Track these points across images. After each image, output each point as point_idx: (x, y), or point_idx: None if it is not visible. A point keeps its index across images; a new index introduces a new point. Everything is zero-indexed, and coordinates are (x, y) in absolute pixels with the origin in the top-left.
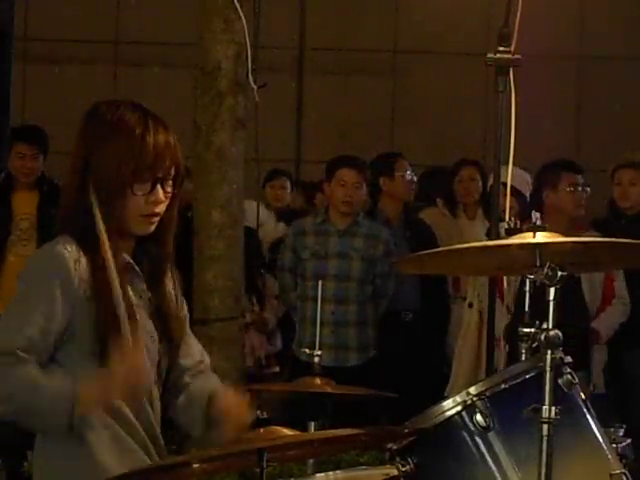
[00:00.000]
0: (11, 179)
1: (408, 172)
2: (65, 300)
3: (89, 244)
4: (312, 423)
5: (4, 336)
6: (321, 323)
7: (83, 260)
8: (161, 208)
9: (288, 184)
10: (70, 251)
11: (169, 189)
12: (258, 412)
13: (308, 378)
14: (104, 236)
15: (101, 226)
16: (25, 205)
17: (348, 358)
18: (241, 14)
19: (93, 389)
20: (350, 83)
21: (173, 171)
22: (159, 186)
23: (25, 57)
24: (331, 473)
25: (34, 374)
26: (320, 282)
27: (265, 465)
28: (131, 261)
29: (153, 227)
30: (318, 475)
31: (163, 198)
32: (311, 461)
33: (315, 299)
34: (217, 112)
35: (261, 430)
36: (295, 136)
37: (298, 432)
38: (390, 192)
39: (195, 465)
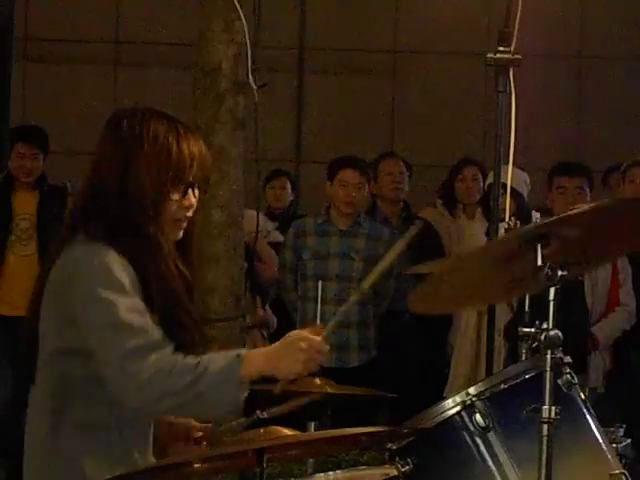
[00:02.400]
0: (11, 179)
1: (396, 171)
2: None
3: (143, 253)
4: (312, 423)
5: (142, 331)
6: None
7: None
8: (191, 214)
9: (288, 184)
10: (121, 259)
11: (196, 192)
12: (258, 412)
13: (308, 378)
14: (164, 244)
15: (159, 234)
16: (25, 205)
17: (349, 359)
18: (241, 14)
19: (258, 355)
20: (350, 83)
21: (202, 178)
22: (190, 191)
23: (25, 57)
24: (331, 473)
25: (191, 360)
26: (320, 282)
27: (265, 465)
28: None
29: (181, 234)
30: (318, 475)
31: (195, 203)
32: (311, 461)
33: (316, 300)
34: (217, 112)
35: (261, 430)
36: (295, 136)
37: (298, 432)
38: (378, 194)
39: (195, 465)
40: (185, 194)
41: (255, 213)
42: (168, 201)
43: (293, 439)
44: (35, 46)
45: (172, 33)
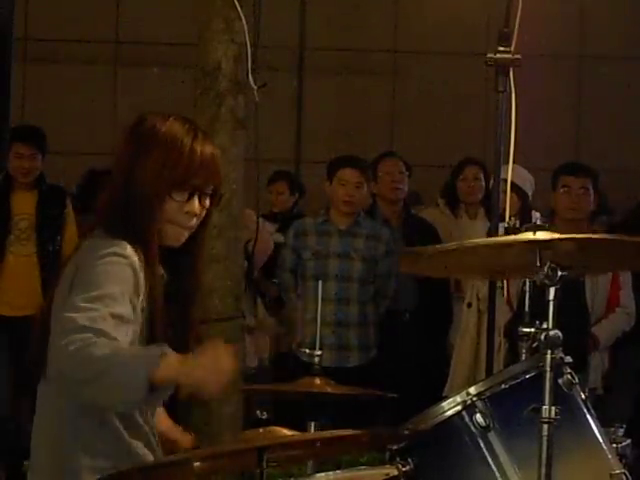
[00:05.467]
0: (10, 179)
1: (395, 171)
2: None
3: (142, 252)
4: (312, 423)
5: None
6: (322, 323)
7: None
8: (194, 222)
9: (287, 189)
10: (138, 260)
11: (206, 203)
12: (258, 412)
13: (308, 378)
14: (155, 246)
15: (153, 235)
16: (24, 205)
17: (349, 358)
18: (241, 14)
19: (177, 361)
20: (350, 83)
21: (212, 187)
22: (196, 198)
23: (25, 57)
24: (331, 473)
25: (114, 344)
26: (320, 282)
27: (265, 465)
28: (164, 274)
29: (181, 241)
30: (318, 475)
31: (197, 211)
32: (311, 461)
33: (316, 299)
34: (217, 112)
35: (261, 430)
36: (295, 136)
37: (298, 432)
38: (378, 194)
39: (195, 464)
40: (189, 199)
41: (254, 215)
42: (169, 201)
43: (293, 439)
44: (35, 46)
45: (172, 33)
